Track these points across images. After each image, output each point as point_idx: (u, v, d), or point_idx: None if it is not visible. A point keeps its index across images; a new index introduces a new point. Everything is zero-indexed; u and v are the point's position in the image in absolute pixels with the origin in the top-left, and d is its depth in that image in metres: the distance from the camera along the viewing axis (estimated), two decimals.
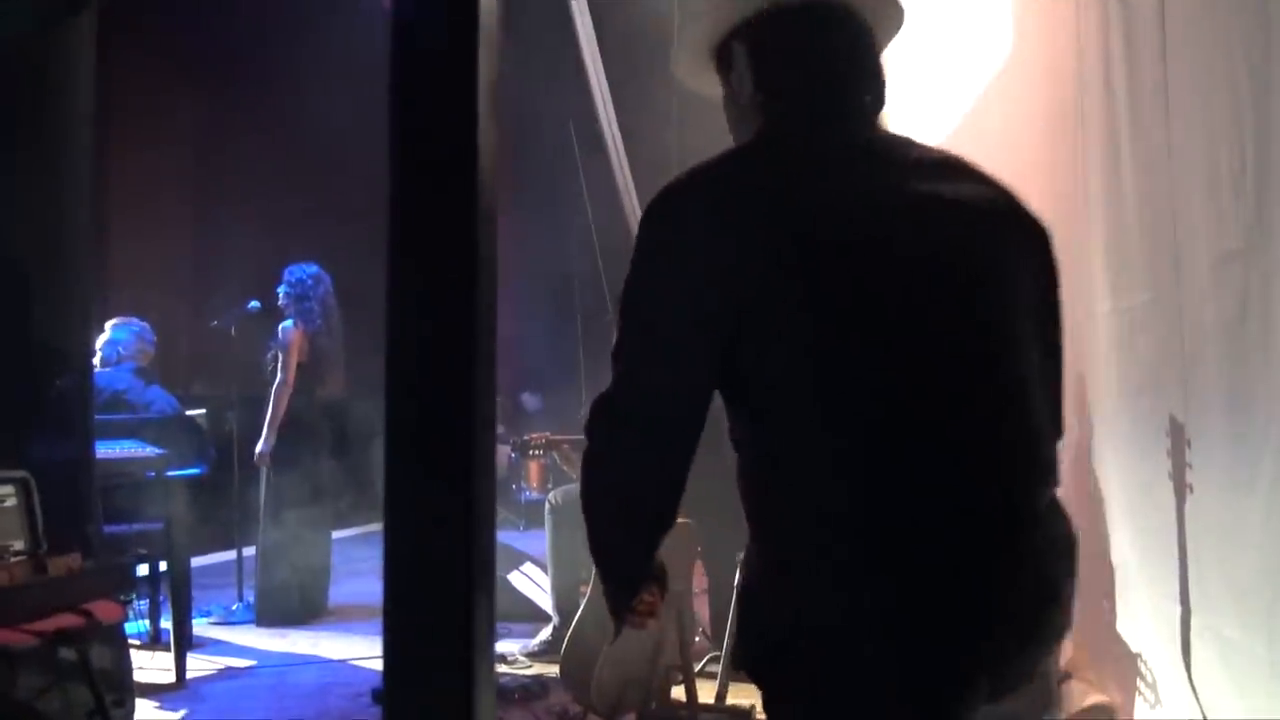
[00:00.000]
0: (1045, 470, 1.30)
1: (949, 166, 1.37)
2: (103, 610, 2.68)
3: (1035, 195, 4.00)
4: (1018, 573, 1.22)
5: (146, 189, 7.64)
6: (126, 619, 3.01)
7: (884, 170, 1.32)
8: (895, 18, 1.45)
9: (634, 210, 10.21)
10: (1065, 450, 3.35)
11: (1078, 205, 3.13)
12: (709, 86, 1.50)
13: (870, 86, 1.40)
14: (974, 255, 1.29)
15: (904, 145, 1.38)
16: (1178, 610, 2.45)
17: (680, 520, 3.38)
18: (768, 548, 1.30)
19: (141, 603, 4.37)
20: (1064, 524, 1.31)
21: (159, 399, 4.80)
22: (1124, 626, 2.87)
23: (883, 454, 1.20)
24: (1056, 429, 1.37)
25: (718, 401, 1.30)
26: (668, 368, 1.27)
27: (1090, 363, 3.07)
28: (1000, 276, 1.31)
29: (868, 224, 1.25)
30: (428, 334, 0.41)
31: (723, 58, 1.44)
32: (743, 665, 1.33)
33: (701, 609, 4.03)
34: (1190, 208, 2.40)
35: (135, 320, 4.99)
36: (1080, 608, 3.24)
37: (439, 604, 0.41)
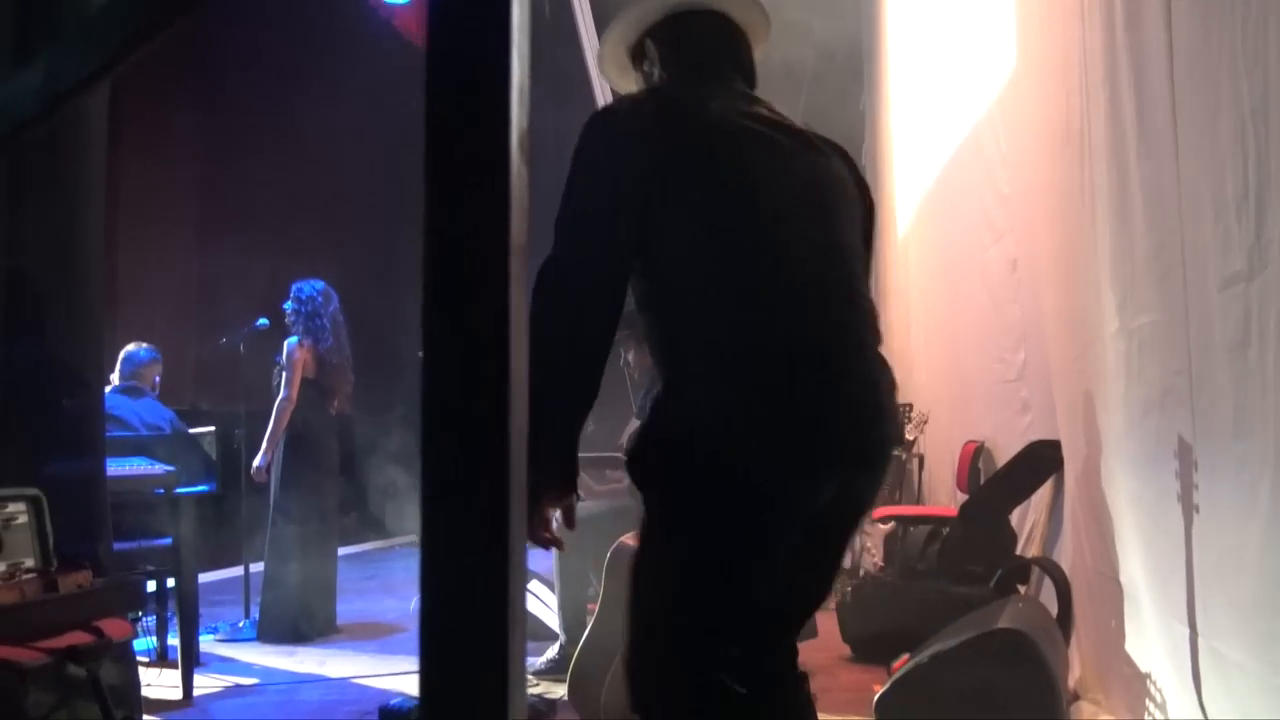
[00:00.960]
0: (872, 322, 1.80)
1: (804, 129, 1.89)
2: (112, 628, 2.69)
3: (1040, 214, 4.02)
4: (857, 384, 1.70)
5: (152, 207, 7.69)
6: (136, 636, 3.01)
7: (757, 111, 1.83)
8: (763, 24, 2.02)
9: None
10: (1075, 466, 3.32)
11: (1084, 224, 3.15)
12: (625, 81, 2.07)
13: (739, 68, 1.97)
14: (825, 171, 1.83)
15: (771, 108, 1.90)
16: (1186, 631, 2.45)
17: None
18: (671, 382, 1.72)
19: (149, 619, 4.39)
20: (888, 369, 1.79)
21: (148, 412, 4.82)
22: (1133, 647, 2.87)
23: (758, 303, 1.66)
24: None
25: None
26: (597, 232, 1.66)
27: (1099, 382, 3.08)
28: (841, 188, 1.85)
29: (747, 135, 1.76)
30: (462, 366, 0.42)
31: (637, 54, 2.01)
32: (636, 475, 1.70)
33: None
34: (1198, 230, 2.41)
35: (141, 346, 5.02)
36: (1089, 627, 3.24)
37: (477, 619, 0.42)
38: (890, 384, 1.77)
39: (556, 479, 1.63)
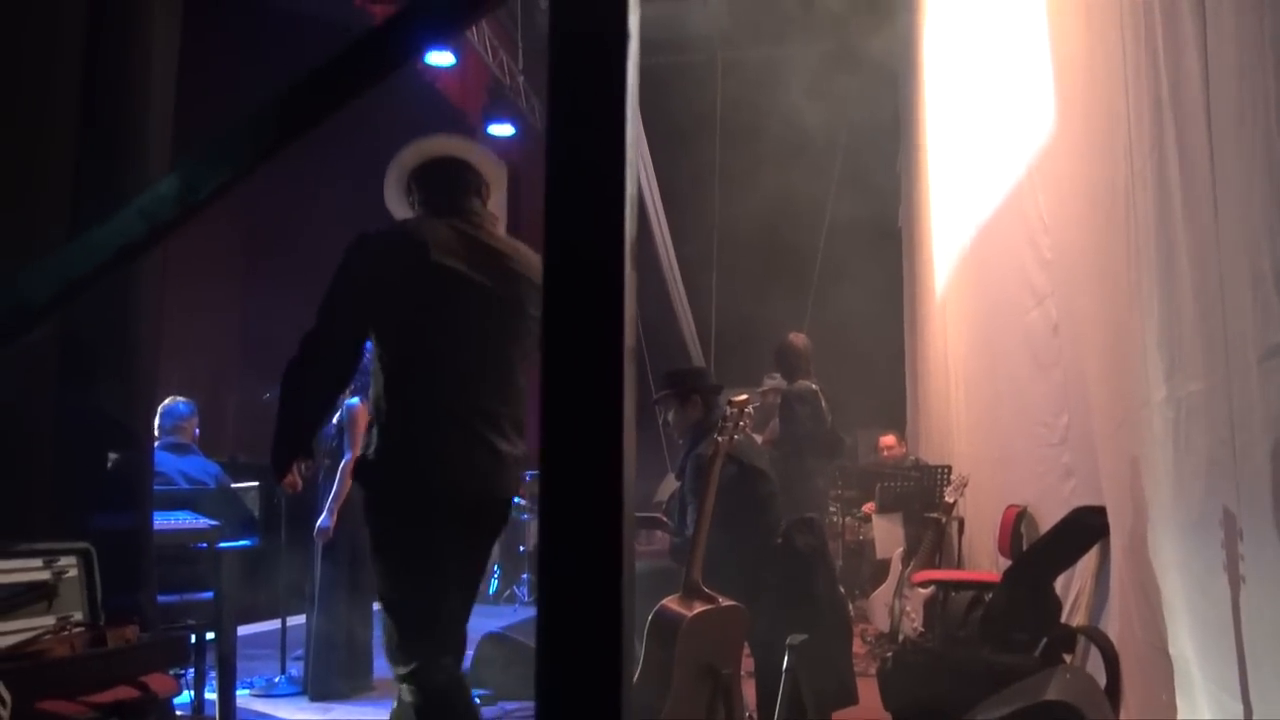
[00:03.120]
0: (512, 407, 2.69)
1: (509, 245, 2.79)
2: (158, 683, 2.71)
3: (1083, 278, 4.00)
4: (480, 447, 2.60)
5: (196, 260, 7.85)
6: (179, 693, 3.03)
7: (474, 235, 2.71)
8: (495, 167, 2.89)
9: (680, 296, 10.23)
10: (1122, 534, 3.28)
11: (1129, 288, 3.14)
12: (401, 210, 2.89)
13: (471, 203, 2.80)
14: (496, 293, 2.67)
15: (489, 231, 2.76)
16: (1239, 707, 2.40)
17: (731, 604, 3.38)
18: (379, 426, 2.61)
19: (188, 674, 4.40)
20: (519, 444, 2.72)
21: (194, 469, 4.88)
22: None
23: (432, 377, 2.57)
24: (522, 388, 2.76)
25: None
26: (333, 320, 2.55)
27: (1145, 449, 3.05)
28: (505, 305, 2.69)
29: (446, 258, 2.59)
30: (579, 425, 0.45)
31: (409, 188, 2.87)
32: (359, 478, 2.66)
33: (749, 692, 3.98)
34: (1238, 299, 2.40)
35: (178, 400, 5.11)
36: (1138, 700, 3.17)
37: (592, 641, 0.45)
38: (516, 455, 2.70)
39: (285, 460, 2.62)
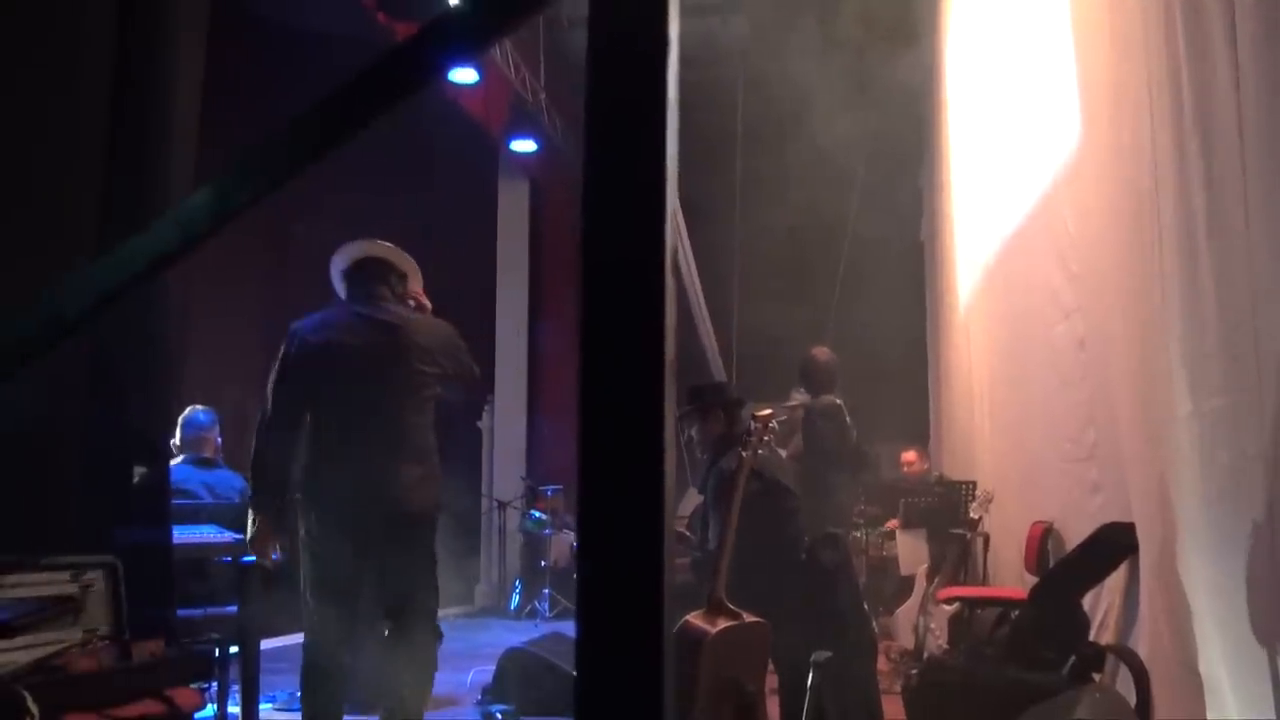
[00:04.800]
0: (408, 436, 3.60)
1: (399, 317, 3.71)
2: (183, 697, 2.72)
3: (1110, 293, 3.97)
4: (380, 473, 3.52)
5: (217, 272, 7.90)
6: (204, 707, 3.04)
7: (371, 313, 3.66)
8: (407, 261, 3.84)
9: (703, 311, 10.24)
10: (1151, 551, 3.23)
11: (1153, 302, 3.11)
12: (341, 290, 3.86)
13: (376, 289, 3.72)
14: (379, 352, 3.61)
15: (385, 310, 3.69)
16: None
17: (755, 620, 3.36)
18: (305, 467, 3.59)
19: (211, 687, 4.41)
20: (420, 466, 3.61)
21: (219, 483, 4.90)
22: None
23: (333, 435, 3.56)
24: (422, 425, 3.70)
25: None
26: (274, 396, 3.57)
27: (1172, 464, 3.01)
28: (387, 358, 3.61)
29: (344, 336, 3.60)
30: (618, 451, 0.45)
31: (342, 277, 3.84)
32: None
33: (773, 710, 3.96)
34: (1270, 313, 2.37)
35: (197, 409, 5.12)
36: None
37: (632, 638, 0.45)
38: (415, 477, 3.59)
39: (267, 501, 3.58)
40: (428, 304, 3.93)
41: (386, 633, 3.70)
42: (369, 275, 3.74)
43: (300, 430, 3.57)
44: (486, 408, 10.48)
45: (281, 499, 3.57)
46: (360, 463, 3.49)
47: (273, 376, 3.56)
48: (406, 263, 3.84)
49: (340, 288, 3.84)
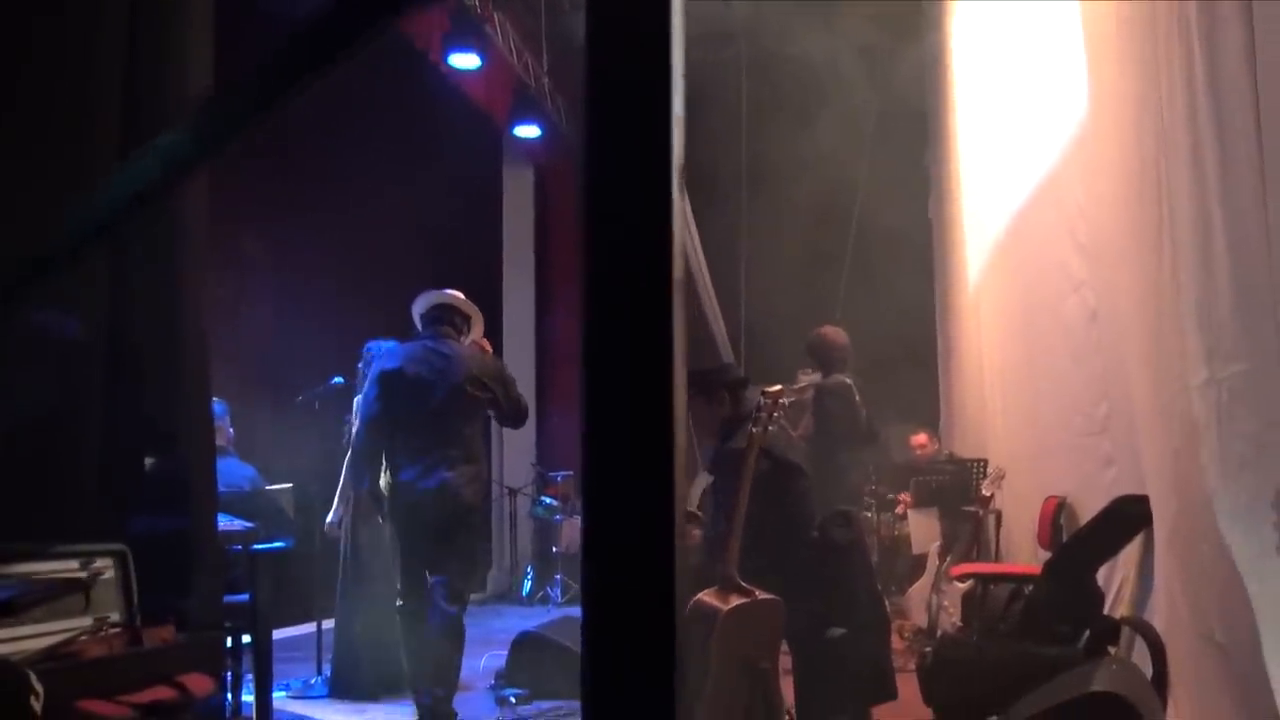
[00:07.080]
0: (456, 443, 4.55)
1: (454, 350, 4.62)
2: (195, 683, 2.71)
3: (1120, 263, 3.93)
4: (431, 472, 4.46)
5: (227, 264, 7.88)
6: (217, 692, 3.03)
7: (434, 346, 4.60)
8: (470, 306, 4.82)
9: (709, 293, 10.20)
10: (1165, 522, 3.20)
11: (1164, 270, 3.07)
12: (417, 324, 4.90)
13: (440, 329, 4.64)
14: (440, 374, 4.53)
15: (446, 345, 4.61)
16: None
17: (768, 597, 3.34)
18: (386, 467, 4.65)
19: (224, 675, 4.41)
20: (467, 466, 4.57)
21: (229, 472, 4.89)
22: (1236, 710, 2.73)
23: (407, 440, 4.50)
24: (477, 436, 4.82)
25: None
26: (369, 411, 4.60)
27: (1188, 434, 2.98)
28: (450, 382, 4.52)
29: (410, 365, 4.54)
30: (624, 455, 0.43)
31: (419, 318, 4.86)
32: None
33: (787, 690, 3.94)
34: None
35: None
36: (1187, 690, 3.10)
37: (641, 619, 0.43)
38: (468, 476, 4.53)
39: (360, 480, 4.71)
40: (488, 347, 4.89)
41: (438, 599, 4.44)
42: (436, 318, 4.67)
43: (385, 437, 4.49)
44: None
45: (374, 488, 4.54)
46: (427, 464, 4.42)
47: (361, 394, 4.75)
48: (470, 309, 4.79)
49: (418, 324, 4.77)
